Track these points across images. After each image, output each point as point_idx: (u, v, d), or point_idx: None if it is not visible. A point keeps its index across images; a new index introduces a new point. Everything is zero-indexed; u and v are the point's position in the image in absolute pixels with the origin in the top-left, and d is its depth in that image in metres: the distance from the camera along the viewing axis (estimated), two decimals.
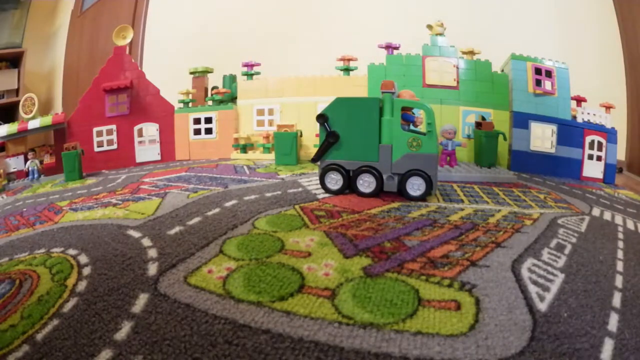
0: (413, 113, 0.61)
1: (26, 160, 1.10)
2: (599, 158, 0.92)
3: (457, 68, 0.94)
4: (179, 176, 0.80)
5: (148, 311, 0.31)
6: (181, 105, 1.13)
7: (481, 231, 0.46)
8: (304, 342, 0.26)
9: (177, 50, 1.70)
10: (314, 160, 0.62)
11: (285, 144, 0.89)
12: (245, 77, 1.12)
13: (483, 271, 0.36)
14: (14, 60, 1.94)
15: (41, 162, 1.11)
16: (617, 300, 0.32)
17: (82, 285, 0.35)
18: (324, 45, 1.38)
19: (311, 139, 1.00)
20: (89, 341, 0.28)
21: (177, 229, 0.47)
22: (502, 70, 0.98)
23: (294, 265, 0.37)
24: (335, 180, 0.61)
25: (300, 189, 0.63)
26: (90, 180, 0.88)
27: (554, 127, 0.91)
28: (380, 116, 0.58)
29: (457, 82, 0.94)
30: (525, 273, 0.36)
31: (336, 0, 1.57)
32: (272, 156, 0.97)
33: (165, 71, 1.35)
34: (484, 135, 0.83)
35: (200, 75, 1.22)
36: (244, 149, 1.05)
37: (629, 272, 0.37)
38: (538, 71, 0.92)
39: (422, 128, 0.67)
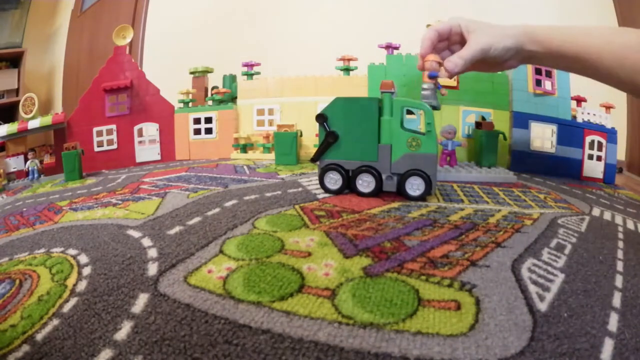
0: (437, 83, 0.59)
1: (26, 160, 1.10)
2: (599, 158, 0.92)
3: None
4: (179, 176, 0.80)
5: (148, 311, 0.31)
6: (181, 105, 1.13)
7: (481, 231, 0.46)
8: (304, 342, 0.26)
9: (177, 50, 1.70)
10: (313, 160, 0.62)
11: (285, 144, 0.89)
12: (245, 77, 1.12)
13: (483, 271, 0.36)
14: (14, 60, 1.95)
15: (41, 162, 1.11)
16: (617, 300, 0.32)
17: (82, 285, 0.35)
18: (324, 45, 1.38)
19: (311, 139, 1.00)
20: (89, 341, 0.28)
21: (177, 229, 0.47)
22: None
23: (294, 265, 0.37)
24: (334, 180, 0.61)
25: (300, 189, 0.63)
26: (90, 180, 0.88)
27: (554, 127, 0.91)
28: (379, 116, 0.58)
29: (457, 82, 0.93)
30: (525, 273, 0.36)
31: (337, 0, 1.57)
32: (272, 156, 0.97)
33: (165, 71, 1.35)
34: (484, 135, 0.83)
35: (200, 75, 1.22)
36: (244, 148, 1.05)
37: (629, 272, 0.37)
38: (538, 71, 0.92)
39: (421, 128, 0.67)
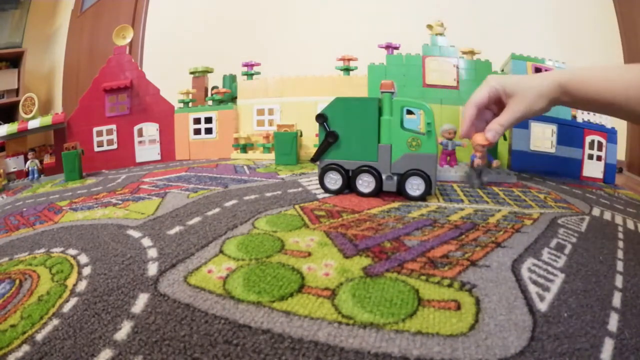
0: None
1: (26, 160, 1.10)
2: (599, 158, 0.92)
3: (457, 68, 0.94)
4: (179, 176, 0.80)
5: (148, 311, 0.31)
6: (181, 105, 1.13)
7: (481, 231, 0.46)
8: (304, 342, 0.26)
9: (177, 50, 1.70)
10: (313, 160, 0.62)
11: (285, 144, 0.89)
12: (245, 77, 1.12)
13: (483, 271, 0.36)
14: (14, 60, 1.94)
15: (41, 162, 1.11)
16: (617, 300, 0.32)
17: (82, 285, 0.35)
18: (324, 45, 1.38)
19: (311, 139, 1.00)
20: (89, 341, 0.28)
21: (177, 229, 0.47)
22: (502, 70, 0.98)
23: (294, 265, 0.37)
24: (334, 180, 0.61)
25: (300, 189, 0.63)
26: (90, 180, 0.88)
27: (554, 127, 0.91)
28: (379, 116, 0.58)
29: (457, 82, 0.94)
30: (525, 273, 0.36)
31: (337, 0, 1.57)
32: (272, 156, 0.97)
33: (165, 71, 1.35)
34: None
35: (200, 75, 1.22)
36: (244, 148, 1.05)
37: (629, 272, 0.37)
38: (538, 71, 0.92)
39: (421, 128, 0.67)
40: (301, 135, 0.98)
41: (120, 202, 0.63)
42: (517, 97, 0.51)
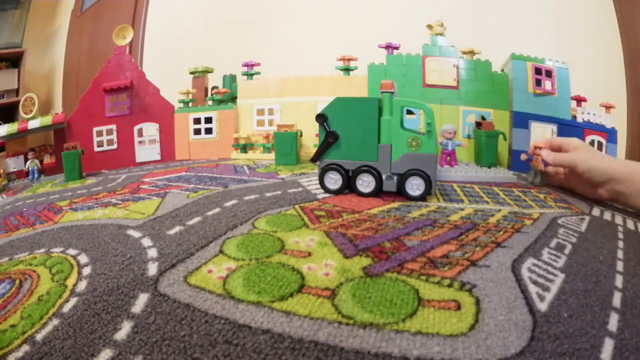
0: None
1: (26, 160, 1.10)
2: None
3: (457, 68, 0.94)
4: (179, 176, 0.80)
5: (148, 311, 0.31)
6: (181, 105, 1.13)
7: (481, 231, 0.46)
8: (304, 342, 0.26)
9: (177, 50, 1.70)
10: (313, 160, 0.62)
11: (285, 144, 0.89)
12: (245, 77, 1.12)
13: (483, 271, 0.36)
14: (14, 60, 1.94)
15: (41, 162, 1.11)
16: (617, 300, 0.32)
17: (82, 285, 0.35)
18: (324, 45, 1.38)
19: (311, 139, 1.00)
20: (89, 341, 0.28)
21: (177, 229, 0.47)
22: (502, 70, 0.98)
23: (294, 265, 0.37)
24: (334, 180, 0.61)
25: (300, 189, 0.63)
26: (90, 180, 0.88)
27: (554, 127, 0.91)
28: (379, 116, 0.58)
29: (457, 82, 0.94)
30: (525, 273, 0.36)
31: (337, 0, 1.57)
32: (272, 156, 0.97)
33: (165, 71, 1.35)
34: (484, 135, 0.83)
35: (200, 75, 1.22)
36: (244, 148, 1.05)
37: (629, 272, 0.37)
38: (538, 71, 0.92)
39: (421, 128, 0.67)
40: (301, 135, 0.98)
41: (120, 202, 0.63)
42: (580, 150, 0.61)
